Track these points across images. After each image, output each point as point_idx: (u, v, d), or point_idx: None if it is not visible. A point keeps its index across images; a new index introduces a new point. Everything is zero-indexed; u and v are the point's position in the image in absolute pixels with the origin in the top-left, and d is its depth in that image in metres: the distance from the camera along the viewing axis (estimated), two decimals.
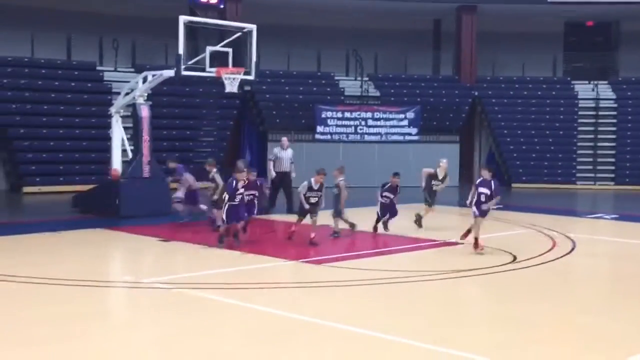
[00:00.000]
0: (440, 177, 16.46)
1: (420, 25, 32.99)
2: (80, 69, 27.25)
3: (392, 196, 15.58)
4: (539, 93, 32.00)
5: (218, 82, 19.16)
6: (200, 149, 28.04)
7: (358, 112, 28.87)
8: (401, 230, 15.83)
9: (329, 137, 28.29)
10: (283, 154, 18.96)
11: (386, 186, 15.70)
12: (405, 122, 29.03)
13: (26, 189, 23.64)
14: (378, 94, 30.98)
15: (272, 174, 18.82)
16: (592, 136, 31.05)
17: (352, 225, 15.39)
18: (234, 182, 13.25)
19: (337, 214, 15.14)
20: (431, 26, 33.84)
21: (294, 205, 17.84)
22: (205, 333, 8.21)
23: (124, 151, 19.18)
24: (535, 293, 10.65)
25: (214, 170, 15.54)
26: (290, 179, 18.92)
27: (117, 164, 18.97)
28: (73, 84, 26.43)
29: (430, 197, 16.35)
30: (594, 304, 10.31)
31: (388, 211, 15.63)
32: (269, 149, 27.55)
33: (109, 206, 17.85)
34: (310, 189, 14.08)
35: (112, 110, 19.44)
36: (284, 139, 19.41)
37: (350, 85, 31.27)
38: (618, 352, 7.67)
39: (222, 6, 19.33)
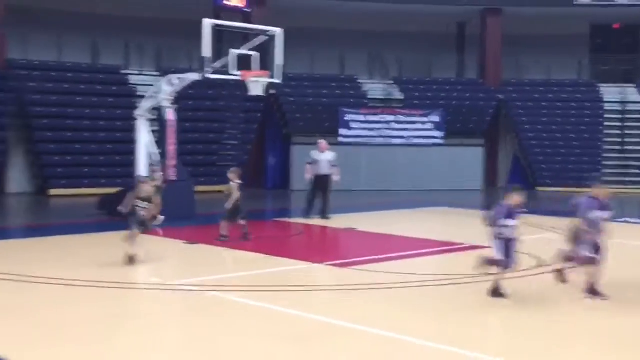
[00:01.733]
0: None
1: (444, 29, 32.93)
2: (105, 73, 27.52)
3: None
4: (565, 96, 31.86)
5: (242, 85, 19.26)
6: (225, 152, 28.14)
7: (382, 115, 28.88)
8: (429, 234, 15.80)
9: (352, 140, 28.29)
10: (321, 156, 18.85)
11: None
12: (430, 125, 28.98)
13: (52, 192, 23.92)
14: (402, 97, 30.97)
15: (307, 177, 18.78)
16: (619, 140, 30.83)
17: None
18: None
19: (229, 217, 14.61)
20: (455, 29, 33.77)
21: (329, 210, 17.98)
22: (235, 334, 8.27)
23: (150, 154, 19.30)
24: (563, 297, 10.59)
25: (237, 180, 15.07)
26: (329, 182, 18.72)
27: (142, 167, 19.12)
28: (99, 87, 26.69)
29: None
30: (617, 307, 10.23)
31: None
32: (292, 152, 27.77)
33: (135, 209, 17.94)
34: None
35: (137, 113, 19.60)
36: (322, 142, 19.20)
37: (374, 88, 31.31)
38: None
39: (249, 10, 19.36)
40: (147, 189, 12.77)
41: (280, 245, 14.56)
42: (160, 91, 19.21)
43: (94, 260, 12.78)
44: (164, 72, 23.89)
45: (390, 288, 10.81)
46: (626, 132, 30.97)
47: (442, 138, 28.84)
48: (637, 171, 30.01)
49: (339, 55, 31.59)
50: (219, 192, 16.14)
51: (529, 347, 7.98)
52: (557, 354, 7.73)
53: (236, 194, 14.40)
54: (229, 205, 14.40)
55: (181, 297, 10.31)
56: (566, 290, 11.11)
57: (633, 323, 9.17)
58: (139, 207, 12.35)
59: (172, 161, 18.53)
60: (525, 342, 8.22)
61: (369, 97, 30.80)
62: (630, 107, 31.39)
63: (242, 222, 14.49)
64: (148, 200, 12.52)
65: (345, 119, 28.33)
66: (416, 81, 32.24)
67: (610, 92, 32.00)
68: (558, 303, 10.21)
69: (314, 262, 12.84)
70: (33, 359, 7.31)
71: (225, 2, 18.57)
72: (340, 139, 28.05)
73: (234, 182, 14.52)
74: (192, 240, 14.76)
